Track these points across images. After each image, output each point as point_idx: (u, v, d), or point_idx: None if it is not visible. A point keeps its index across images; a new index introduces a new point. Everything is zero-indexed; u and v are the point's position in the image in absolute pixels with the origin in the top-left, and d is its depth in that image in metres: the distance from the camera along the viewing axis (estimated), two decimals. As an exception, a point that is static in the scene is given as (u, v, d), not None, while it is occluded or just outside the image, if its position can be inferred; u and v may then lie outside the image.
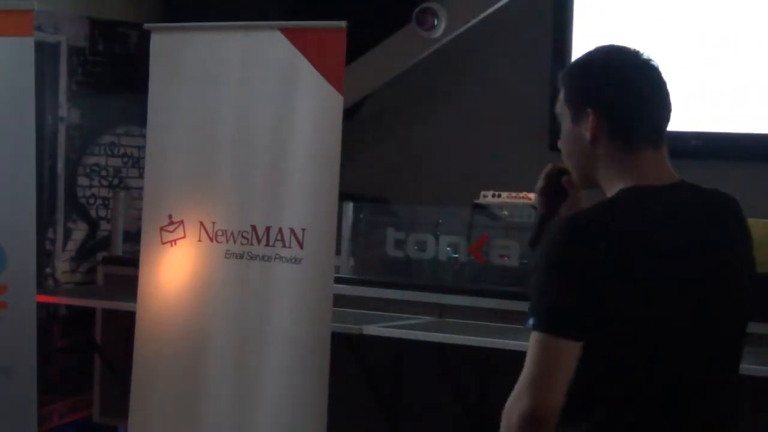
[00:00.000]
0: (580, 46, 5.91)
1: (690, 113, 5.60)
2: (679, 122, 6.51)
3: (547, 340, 2.12)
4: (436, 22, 5.69)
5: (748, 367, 4.06)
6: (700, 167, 5.70)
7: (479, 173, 5.88)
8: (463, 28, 5.82)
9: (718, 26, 5.62)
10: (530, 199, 4.77)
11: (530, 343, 2.13)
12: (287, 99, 4.27)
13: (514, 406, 2.11)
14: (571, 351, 2.11)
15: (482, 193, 5.24)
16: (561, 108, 2.39)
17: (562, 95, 2.39)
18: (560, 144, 2.42)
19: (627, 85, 2.38)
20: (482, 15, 5.80)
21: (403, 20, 5.82)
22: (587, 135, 2.33)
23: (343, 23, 4.18)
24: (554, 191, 2.55)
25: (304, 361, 4.16)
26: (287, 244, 4.21)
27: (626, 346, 2.17)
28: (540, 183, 2.54)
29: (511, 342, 4.17)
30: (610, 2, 5.93)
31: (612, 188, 2.37)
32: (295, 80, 4.24)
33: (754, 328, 4.41)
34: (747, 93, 5.56)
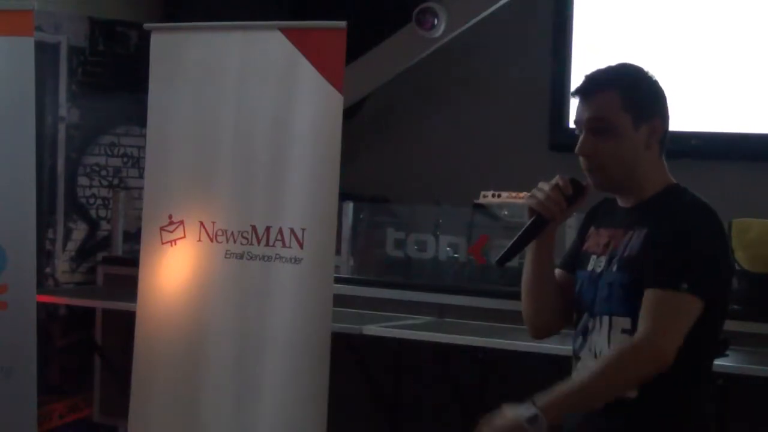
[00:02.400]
0: (580, 46, 5.92)
1: (690, 113, 5.61)
2: (679, 122, 6.51)
3: (696, 305, 2.45)
4: (436, 22, 5.69)
5: (748, 367, 4.07)
6: (700, 167, 5.72)
7: (479, 173, 5.89)
8: (463, 28, 5.82)
9: (718, 26, 5.63)
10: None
11: (672, 302, 2.43)
12: (287, 99, 4.27)
13: (653, 351, 2.42)
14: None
15: (482, 193, 5.24)
16: (613, 113, 2.56)
17: (614, 102, 2.56)
18: (610, 147, 2.57)
19: (666, 98, 2.68)
20: (482, 15, 5.80)
21: (403, 20, 5.82)
22: (645, 140, 2.59)
23: (343, 23, 4.18)
24: (570, 203, 2.65)
25: (304, 361, 4.16)
26: (287, 244, 4.21)
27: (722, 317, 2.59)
28: (552, 193, 2.64)
29: (511, 342, 4.17)
30: (610, 2, 5.93)
31: (655, 185, 2.61)
32: (295, 80, 4.24)
33: (754, 328, 4.44)
34: (747, 93, 5.56)
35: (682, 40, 5.68)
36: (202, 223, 4.40)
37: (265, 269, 4.24)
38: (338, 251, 4.95)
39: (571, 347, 2.72)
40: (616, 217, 2.69)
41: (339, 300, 4.40)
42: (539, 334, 2.83)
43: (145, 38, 4.69)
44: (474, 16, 5.81)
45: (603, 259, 2.64)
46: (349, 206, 5.44)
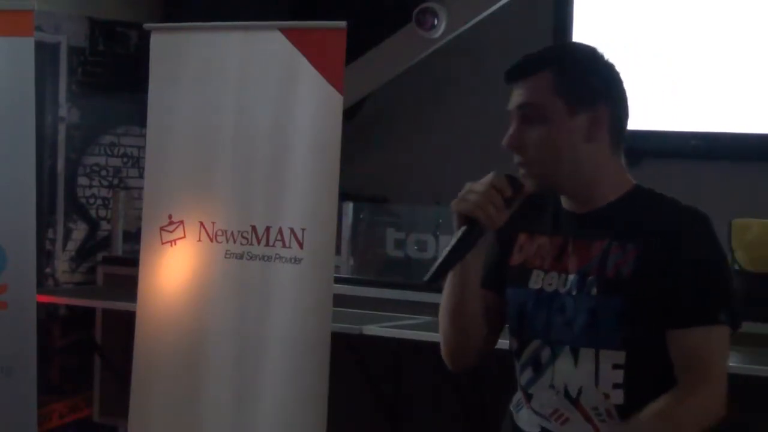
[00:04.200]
0: (580, 46, 5.92)
1: (690, 113, 5.61)
2: (679, 122, 6.53)
3: (728, 335, 2.17)
4: (436, 22, 5.69)
5: (748, 367, 4.07)
6: (700, 167, 5.73)
7: (479, 173, 5.88)
8: (463, 28, 5.82)
9: (718, 26, 5.63)
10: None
11: (717, 339, 2.15)
12: (287, 99, 4.26)
13: (715, 398, 2.14)
14: None
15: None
16: (542, 97, 2.19)
17: (546, 84, 2.20)
18: (538, 136, 2.19)
19: (623, 85, 2.27)
20: (482, 15, 5.80)
21: (403, 20, 5.82)
22: (585, 130, 2.19)
23: (343, 23, 4.18)
24: (508, 205, 2.23)
25: (304, 361, 4.16)
26: (287, 244, 4.21)
27: None
28: (489, 195, 2.19)
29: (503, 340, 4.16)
30: (610, 2, 5.93)
31: (614, 187, 2.24)
32: (295, 80, 4.24)
33: (754, 328, 4.43)
34: (747, 93, 5.56)
35: (683, 40, 5.68)
36: (202, 223, 4.40)
37: (265, 269, 4.24)
38: (338, 251, 4.95)
39: None
40: (561, 222, 2.28)
41: (339, 300, 4.39)
42: (458, 365, 2.37)
43: (145, 38, 4.69)
44: (474, 16, 5.81)
45: (556, 276, 2.24)
46: (349, 206, 5.44)
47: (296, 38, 4.27)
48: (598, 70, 2.23)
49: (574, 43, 2.37)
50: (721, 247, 2.21)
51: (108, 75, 6.19)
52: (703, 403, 2.13)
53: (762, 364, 4.08)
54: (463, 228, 2.20)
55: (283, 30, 4.31)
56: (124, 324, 4.84)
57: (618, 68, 2.26)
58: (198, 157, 4.44)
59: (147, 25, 4.64)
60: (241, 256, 4.31)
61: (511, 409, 2.34)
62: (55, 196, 6.04)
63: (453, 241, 2.22)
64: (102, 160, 6.21)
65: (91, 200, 6.18)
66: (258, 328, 4.24)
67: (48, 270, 6.00)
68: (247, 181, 4.34)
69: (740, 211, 4.76)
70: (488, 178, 2.22)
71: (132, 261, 5.04)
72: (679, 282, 2.13)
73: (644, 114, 5.71)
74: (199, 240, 4.40)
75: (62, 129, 6.04)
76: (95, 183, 6.19)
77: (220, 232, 4.37)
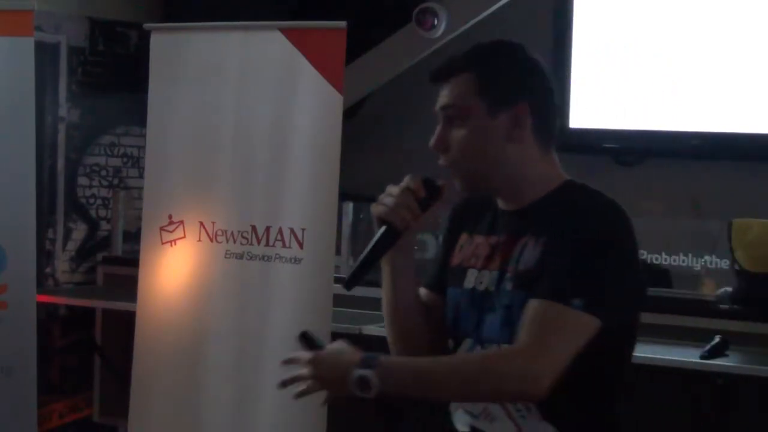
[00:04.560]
0: (580, 46, 5.92)
1: (690, 113, 5.61)
2: (679, 122, 6.53)
3: (591, 325, 2.09)
4: (436, 22, 5.69)
5: (748, 367, 4.07)
6: (700, 167, 5.73)
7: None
8: (463, 28, 5.82)
9: (718, 26, 5.62)
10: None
11: (562, 319, 2.07)
12: (287, 99, 4.26)
13: (530, 369, 2.05)
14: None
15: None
16: (464, 99, 2.21)
17: (469, 86, 2.21)
18: (461, 137, 2.21)
19: (549, 83, 2.27)
20: (482, 15, 5.80)
21: (403, 20, 5.82)
22: (507, 129, 2.20)
23: (343, 23, 4.18)
24: (424, 207, 2.27)
25: (304, 361, 4.16)
26: (287, 244, 4.21)
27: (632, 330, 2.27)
28: (401, 198, 2.24)
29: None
30: (610, 2, 5.93)
31: (543, 183, 2.24)
32: (295, 80, 4.24)
33: (754, 328, 4.44)
34: (747, 93, 5.56)
35: (683, 39, 5.68)
36: (202, 223, 4.40)
37: (265, 269, 4.24)
38: (338, 251, 4.94)
39: None
40: (497, 221, 2.29)
41: (339, 300, 4.39)
42: None
43: (145, 38, 4.69)
44: (474, 16, 5.80)
45: (487, 274, 2.25)
46: (349, 206, 5.43)
47: (296, 38, 4.27)
48: (519, 69, 2.24)
49: (499, 42, 2.27)
50: (614, 243, 2.15)
51: (108, 75, 6.19)
52: (507, 368, 2.06)
53: (762, 364, 4.08)
54: (379, 232, 2.25)
55: (283, 30, 4.31)
56: (124, 324, 4.84)
57: (543, 64, 2.26)
58: (198, 157, 4.44)
59: (147, 25, 4.64)
60: (241, 256, 4.31)
61: (450, 409, 2.35)
62: (55, 196, 6.03)
63: (370, 244, 2.25)
64: (102, 160, 6.21)
65: (91, 200, 6.18)
66: (258, 328, 4.24)
67: (48, 270, 6.00)
68: (247, 181, 4.34)
69: (740, 211, 4.76)
70: (404, 181, 2.27)
71: (132, 261, 5.03)
72: (552, 260, 2.12)
73: (644, 114, 5.71)
74: (199, 240, 4.40)
75: (62, 129, 6.04)
76: (95, 183, 6.19)
77: (220, 232, 4.36)
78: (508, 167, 2.21)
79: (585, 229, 2.13)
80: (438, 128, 2.25)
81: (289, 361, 2.24)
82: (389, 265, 2.30)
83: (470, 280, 2.27)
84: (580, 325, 2.08)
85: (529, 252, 2.18)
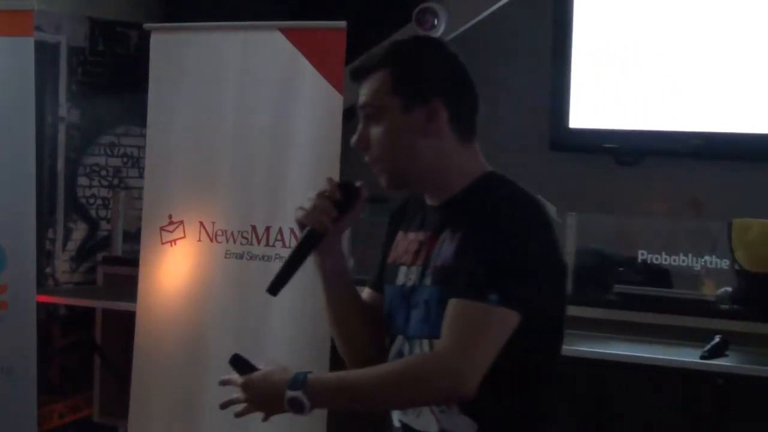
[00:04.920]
0: (580, 46, 5.92)
1: (690, 113, 5.61)
2: (679, 122, 6.51)
3: (510, 318, 2.09)
4: (436, 22, 5.69)
5: (748, 367, 4.07)
6: (700, 167, 5.73)
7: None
8: (463, 28, 5.82)
9: (718, 26, 5.62)
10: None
11: (482, 317, 2.07)
12: (287, 99, 4.27)
13: (447, 371, 2.05)
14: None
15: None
16: (380, 97, 2.22)
17: (384, 83, 2.22)
18: (377, 135, 2.23)
19: (465, 76, 2.29)
20: (482, 15, 5.80)
21: (403, 20, 5.81)
22: (422, 125, 2.21)
23: (343, 23, 4.18)
24: (342, 210, 2.28)
25: (303, 361, 4.16)
26: (287, 244, 4.21)
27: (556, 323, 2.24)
28: (318, 202, 2.27)
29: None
30: (610, 2, 5.93)
31: (462, 177, 2.25)
32: (295, 80, 4.24)
33: (754, 328, 4.44)
34: (747, 93, 5.56)
35: (683, 39, 5.68)
36: (202, 223, 4.40)
37: (265, 269, 4.24)
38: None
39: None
40: (426, 217, 2.31)
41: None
42: (358, 366, 2.35)
43: (145, 38, 4.69)
44: (474, 16, 5.80)
45: (414, 270, 2.26)
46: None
47: (296, 38, 4.27)
48: (433, 64, 2.25)
49: (415, 39, 2.32)
50: (526, 235, 2.14)
51: (108, 75, 6.19)
52: (432, 372, 2.07)
53: (762, 364, 4.08)
54: (301, 236, 2.30)
55: (283, 30, 4.31)
56: (124, 324, 4.84)
57: (460, 59, 2.28)
58: (198, 156, 4.44)
59: (147, 25, 4.64)
60: (241, 256, 4.31)
61: None
62: (55, 196, 6.03)
63: (293, 250, 2.32)
64: (102, 160, 6.21)
65: (91, 200, 6.18)
66: (258, 328, 4.24)
67: (48, 270, 5.99)
68: (247, 181, 4.34)
69: (740, 211, 4.76)
70: (323, 185, 2.29)
71: (132, 261, 5.03)
72: (461, 257, 2.13)
73: (644, 114, 5.71)
74: (199, 240, 4.40)
75: (62, 129, 6.04)
76: (95, 183, 6.19)
77: (220, 232, 4.37)
78: (423, 163, 2.22)
79: (497, 222, 2.13)
80: (359, 127, 2.27)
81: (223, 383, 2.27)
82: (320, 270, 2.35)
83: (401, 277, 2.29)
84: (500, 320, 2.08)
85: (446, 247, 2.19)
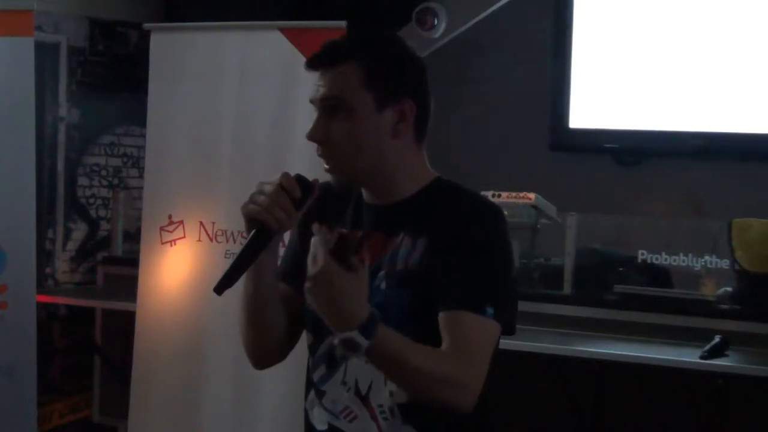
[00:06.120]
0: (580, 46, 5.92)
1: (690, 113, 5.61)
2: (679, 122, 6.51)
3: (498, 333, 2.07)
4: (436, 22, 5.69)
5: (748, 367, 4.07)
6: (700, 167, 5.73)
7: (479, 173, 5.89)
8: (463, 28, 5.82)
9: (718, 26, 5.62)
10: (530, 198, 4.77)
11: (482, 328, 2.02)
12: (287, 98, 4.27)
13: (473, 378, 2.00)
14: None
15: (482, 193, 5.24)
16: (350, 91, 2.11)
17: (354, 76, 2.11)
18: (344, 130, 2.11)
19: (426, 76, 2.22)
20: (482, 15, 5.80)
21: (403, 20, 5.82)
22: (392, 125, 2.13)
23: (343, 23, 4.18)
24: (298, 206, 2.13)
25: (303, 361, 4.15)
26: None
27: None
28: (277, 197, 2.10)
29: (508, 341, 4.16)
30: (610, 2, 5.93)
31: (416, 179, 2.17)
32: (295, 80, 4.24)
33: (754, 328, 4.44)
34: (747, 93, 5.56)
35: (683, 39, 5.68)
36: (201, 223, 4.40)
37: (265, 269, 4.24)
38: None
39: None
40: (360, 215, 2.21)
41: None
42: (262, 363, 2.36)
43: (145, 38, 4.69)
44: (474, 16, 5.80)
45: None
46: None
47: (296, 38, 4.27)
48: (407, 64, 2.18)
49: (382, 34, 2.21)
50: (506, 246, 2.11)
51: (108, 75, 6.19)
52: (462, 370, 1.99)
53: (762, 364, 4.08)
54: (252, 233, 2.12)
55: (283, 30, 4.31)
56: (124, 324, 4.84)
57: (423, 61, 2.22)
58: (198, 157, 4.44)
59: (147, 25, 4.64)
60: (241, 256, 4.30)
61: (306, 407, 2.26)
62: (55, 196, 6.03)
63: (242, 248, 2.14)
64: (102, 160, 6.21)
65: (91, 200, 6.18)
66: (258, 328, 4.24)
67: (48, 270, 5.99)
68: (247, 180, 4.30)
69: (740, 211, 4.76)
70: (277, 178, 2.13)
71: (132, 261, 5.03)
72: (453, 268, 2.04)
73: (644, 114, 5.71)
74: (199, 240, 4.40)
75: (62, 129, 6.04)
76: (95, 183, 6.19)
77: (220, 232, 4.37)
78: (385, 163, 2.13)
79: (476, 232, 2.07)
80: (316, 118, 2.16)
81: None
82: (255, 267, 2.17)
83: None
84: (494, 333, 2.06)
85: (406, 251, 2.11)
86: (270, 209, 2.10)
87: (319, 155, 2.17)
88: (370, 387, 2.12)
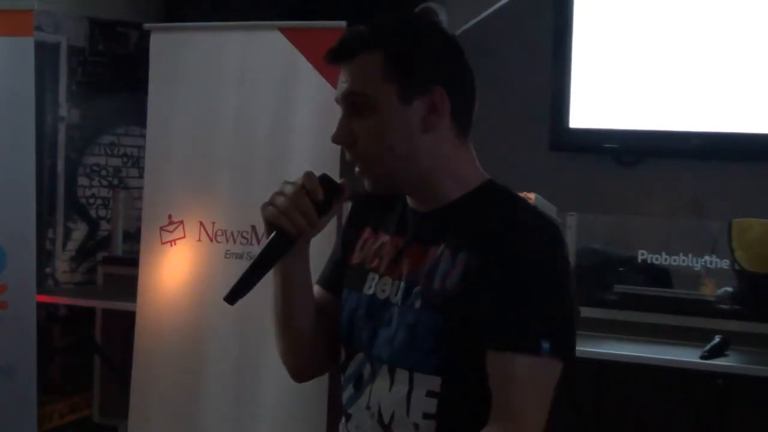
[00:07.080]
0: (580, 46, 5.92)
1: (690, 113, 5.61)
2: (679, 122, 6.52)
3: (558, 368, 1.83)
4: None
5: (748, 367, 4.07)
6: (700, 167, 5.73)
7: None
8: (463, 28, 5.82)
9: (718, 26, 5.62)
10: (530, 198, 4.77)
11: (535, 372, 1.80)
12: (287, 99, 4.27)
13: None
14: None
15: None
16: (370, 84, 1.87)
17: (375, 68, 1.87)
18: (367, 128, 1.88)
19: (467, 65, 1.95)
20: (482, 15, 5.80)
21: (403, 20, 5.81)
22: (422, 118, 1.88)
23: (343, 23, 4.18)
24: (322, 211, 1.93)
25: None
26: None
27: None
28: (297, 200, 1.90)
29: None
30: (610, 2, 5.93)
31: (460, 182, 1.93)
32: (294, 80, 4.24)
33: (754, 328, 4.44)
34: (747, 93, 5.56)
35: (683, 40, 5.68)
36: (201, 223, 4.40)
37: (265, 269, 4.23)
38: (338, 251, 4.93)
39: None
40: (406, 220, 1.99)
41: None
42: (301, 378, 2.17)
43: (145, 38, 4.69)
44: (474, 16, 5.80)
45: (390, 282, 1.95)
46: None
47: (296, 38, 4.27)
48: (434, 48, 1.91)
49: (406, 18, 1.93)
50: (563, 268, 1.85)
51: (108, 75, 6.19)
52: None
53: (762, 364, 4.08)
54: (269, 238, 1.94)
55: (283, 29, 4.31)
56: (124, 324, 4.84)
57: (458, 43, 1.95)
58: (198, 157, 4.44)
59: (147, 25, 4.64)
60: (241, 256, 4.31)
61: (339, 428, 2.09)
62: (55, 196, 6.03)
63: (259, 253, 1.97)
64: (102, 160, 6.21)
65: (91, 200, 6.18)
66: (258, 328, 4.23)
67: (48, 270, 5.99)
68: (247, 181, 4.34)
69: (740, 211, 4.76)
70: (300, 178, 1.95)
71: (132, 261, 5.03)
72: (501, 298, 1.79)
73: (644, 114, 5.71)
74: (199, 240, 4.40)
75: (62, 129, 6.04)
76: (95, 183, 6.19)
77: (220, 232, 4.37)
78: (421, 162, 1.89)
79: (533, 253, 1.81)
80: (340, 119, 1.94)
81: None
82: (281, 275, 2.02)
83: (371, 284, 1.99)
84: (551, 375, 1.83)
85: (445, 267, 1.88)
86: (288, 213, 1.92)
87: (348, 160, 1.96)
88: (392, 417, 1.92)
